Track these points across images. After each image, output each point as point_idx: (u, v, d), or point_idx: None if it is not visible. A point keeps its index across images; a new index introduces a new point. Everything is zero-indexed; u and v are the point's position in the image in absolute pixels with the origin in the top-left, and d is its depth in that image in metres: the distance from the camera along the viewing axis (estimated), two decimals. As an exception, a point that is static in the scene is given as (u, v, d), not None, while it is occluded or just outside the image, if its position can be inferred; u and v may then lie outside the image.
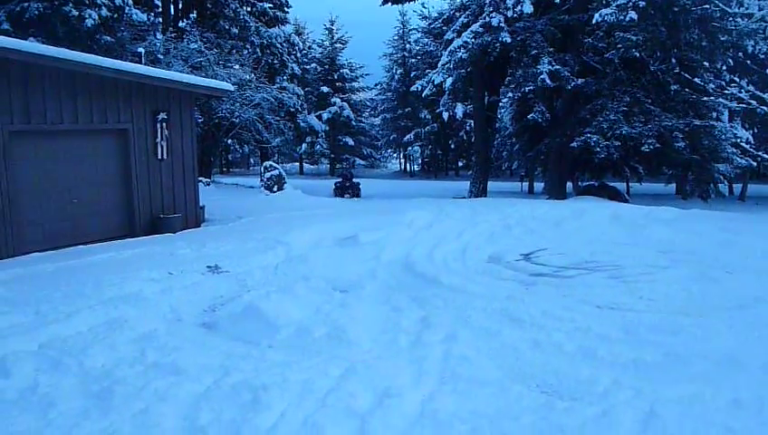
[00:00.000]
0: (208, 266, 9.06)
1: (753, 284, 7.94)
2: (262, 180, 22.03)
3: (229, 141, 38.93)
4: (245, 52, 28.68)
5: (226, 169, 53.87)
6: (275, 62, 32.61)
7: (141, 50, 18.78)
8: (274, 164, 23.31)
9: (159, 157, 12.87)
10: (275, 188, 21.46)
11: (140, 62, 15.58)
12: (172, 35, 25.11)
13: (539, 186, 31.72)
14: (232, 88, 16.28)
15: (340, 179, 28.17)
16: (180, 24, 26.99)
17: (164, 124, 12.81)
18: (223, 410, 4.37)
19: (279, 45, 32.52)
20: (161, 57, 23.43)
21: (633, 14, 19.74)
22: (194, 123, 14.08)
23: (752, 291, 7.57)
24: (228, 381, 4.80)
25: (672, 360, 5.24)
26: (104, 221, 12.13)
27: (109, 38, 20.46)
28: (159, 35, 25.90)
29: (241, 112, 26.87)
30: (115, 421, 4.23)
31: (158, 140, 12.78)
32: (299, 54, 38.77)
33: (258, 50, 30.31)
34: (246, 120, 27.79)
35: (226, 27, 28.66)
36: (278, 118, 30.79)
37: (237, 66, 26.48)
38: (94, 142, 11.95)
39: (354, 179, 28.34)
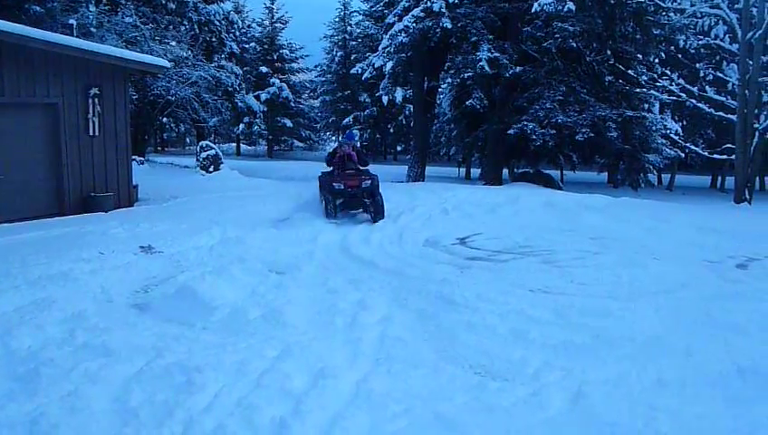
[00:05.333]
0: (141, 247, 8.87)
1: (678, 270, 8.24)
2: (198, 160, 21.62)
3: (164, 120, 38.08)
4: (183, 28, 28.02)
5: (162, 148, 52.81)
6: (213, 39, 31.98)
7: (73, 22, 18.17)
8: (211, 144, 22.90)
9: (91, 133, 12.49)
10: (211, 169, 21.09)
11: (72, 35, 15.06)
12: (106, 8, 24.25)
13: (476, 172, 32.12)
14: (168, 65, 15.91)
15: (330, 170, 13.34)
16: (115, -4, 26.11)
17: (96, 100, 12.43)
18: (155, 391, 4.28)
19: (217, 23, 31.90)
20: (94, 30, 22.63)
21: (571, 5, 20.13)
22: (128, 100, 13.70)
23: (677, 277, 7.87)
24: (161, 363, 4.71)
25: (601, 342, 5.40)
26: (32, 199, 11.73)
27: (38, 8, 19.69)
28: (92, 7, 24.99)
29: (177, 90, 26.26)
30: (42, 404, 4.11)
31: (90, 115, 12.40)
32: (238, 33, 38.09)
33: (196, 26, 29.67)
34: (182, 98, 27.18)
35: (163, 2, 27.90)
36: (215, 97, 30.21)
37: (174, 43, 25.84)
38: (21, 117, 11.52)
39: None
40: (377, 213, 12.12)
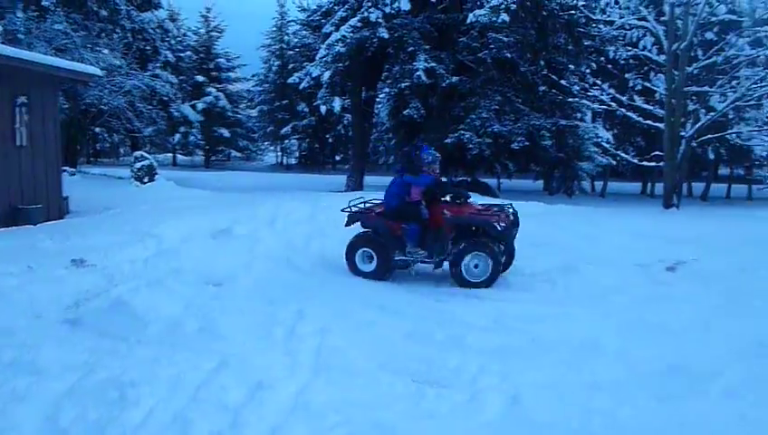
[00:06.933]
0: (73, 260, 8.61)
1: (610, 275, 8.46)
2: (132, 171, 21.15)
3: (97, 130, 37.16)
4: (116, 36, 27.36)
5: (94, 158, 51.45)
6: (148, 48, 31.35)
7: (-1, 28, 17.56)
8: (145, 154, 22.41)
9: (18, 144, 12.07)
10: (146, 180, 20.65)
11: (-2, 43, 14.59)
12: (34, 14, 23.59)
13: (415, 180, 32.28)
14: (100, 73, 15.54)
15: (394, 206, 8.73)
16: (44, 2, 25.28)
17: (23, 109, 12.03)
18: (87, 408, 4.17)
19: (152, 31, 31.28)
20: (22, 37, 21.93)
21: (505, 16, 20.53)
22: (57, 109, 13.33)
23: (609, 281, 8.09)
24: (93, 379, 4.60)
25: (536, 346, 5.52)
26: (-45, 212, 11.28)
27: (-39, 14, 18.98)
28: (20, 14, 24.25)
29: (110, 99, 25.64)
30: (-34, 425, 3.96)
31: (17, 125, 11.98)
32: (173, 41, 37.51)
33: (129, 34, 28.99)
34: (116, 107, 26.53)
35: (95, 9, 27.20)
36: (150, 106, 29.57)
37: (106, 51, 25.19)
38: (-56, 127, 11.10)
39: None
40: (510, 261, 8.75)
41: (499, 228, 8.03)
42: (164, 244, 9.96)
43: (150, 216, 12.77)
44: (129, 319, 5.88)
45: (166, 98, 31.91)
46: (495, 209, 8.54)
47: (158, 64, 32.30)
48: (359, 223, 8.90)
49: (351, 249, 8.65)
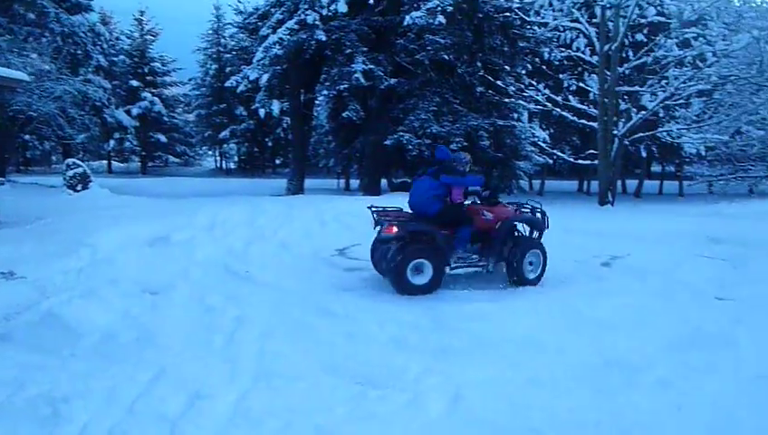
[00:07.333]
0: (1, 273, 8.32)
1: (548, 271, 8.60)
2: (64, 179, 20.57)
3: (27, 137, 36.04)
4: (44, 40, 26.59)
5: (25, 167, 49.80)
6: (78, 52, 30.54)
7: None
8: (78, 162, 21.80)
9: (-58, 153, 11.64)
10: (80, 187, 20.11)
11: None
12: (-44, 19, 22.79)
13: (355, 183, 32.34)
14: (28, 78, 15.04)
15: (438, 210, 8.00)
16: (-34, 6, 24.49)
17: (-54, 117, 11.61)
18: (17, 427, 4.02)
19: (83, 34, 30.45)
20: (-57, 42, 21.17)
21: (441, 18, 20.73)
22: (-17, 116, 12.86)
23: (547, 277, 8.27)
24: (23, 396, 4.43)
25: (478, 345, 5.57)
26: None
27: None
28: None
29: (39, 106, 24.92)
30: None
31: (-60, 134, 11.55)
32: (105, 45, 36.59)
33: (59, 38, 28.19)
34: (46, 114, 25.81)
35: (21, 12, 26.36)
36: (82, 112, 28.85)
37: (35, 55, 24.47)
38: None
39: None
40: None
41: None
42: (99, 253, 9.69)
43: (84, 225, 12.44)
44: (61, 332, 5.71)
45: (99, 103, 31.20)
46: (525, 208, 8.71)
47: (90, 69, 31.53)
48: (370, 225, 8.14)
49: (401, 263, 7.43)
